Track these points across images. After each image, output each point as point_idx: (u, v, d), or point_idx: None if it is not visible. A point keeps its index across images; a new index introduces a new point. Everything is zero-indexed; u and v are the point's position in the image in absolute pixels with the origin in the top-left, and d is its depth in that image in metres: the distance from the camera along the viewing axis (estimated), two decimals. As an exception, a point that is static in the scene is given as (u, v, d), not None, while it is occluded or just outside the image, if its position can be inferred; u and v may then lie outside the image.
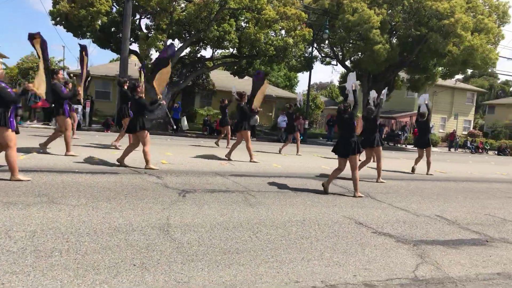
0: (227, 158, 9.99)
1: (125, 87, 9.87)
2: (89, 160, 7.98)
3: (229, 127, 13.81)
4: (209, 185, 6.65)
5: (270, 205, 5.75)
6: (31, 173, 6.18)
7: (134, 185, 6.12)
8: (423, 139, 11.07)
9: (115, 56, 44.19)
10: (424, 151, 11.02)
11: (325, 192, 7.02)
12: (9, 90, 5.60)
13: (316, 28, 25.57)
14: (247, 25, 21.22)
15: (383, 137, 29.42)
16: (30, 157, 7.68)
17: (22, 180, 5.71)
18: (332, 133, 27.00)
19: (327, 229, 4.85)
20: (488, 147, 32.53)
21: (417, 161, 11.16)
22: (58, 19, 19.43)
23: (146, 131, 7.63)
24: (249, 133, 10.05)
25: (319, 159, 12.38)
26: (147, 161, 7.60)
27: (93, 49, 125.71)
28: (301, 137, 22.95)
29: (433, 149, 14.36)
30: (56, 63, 41.36)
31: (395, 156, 17.42)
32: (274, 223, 4.90)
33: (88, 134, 15.21)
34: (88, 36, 20.92)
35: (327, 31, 24.31)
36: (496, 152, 31.41)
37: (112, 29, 21.67)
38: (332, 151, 7.45)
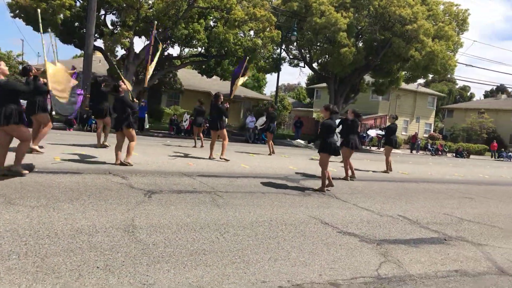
0: (215, 158, 10.14)
1: (103, 86, 9.98)
2: (50, 159, 7.68)
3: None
4: (175, 186, 6.56)
5: (238, 205, 5.75)
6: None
7: (98, 186, 5.95)
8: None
9: (78, 51, 42.83)
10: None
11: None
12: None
13: (285, 30, 25.83)
14: (216, 24, 21.14)
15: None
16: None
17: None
18: (299, 134, 27.33)
19: (293, 229, 4.90)
20: (447, 150, 33.98)
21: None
22: (17, 11, 18.61)
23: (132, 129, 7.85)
24: (225, 131, 10.29)
25: (286, 159, 12.50)
26: (129, 153, 7.78)
27: (55, 43, 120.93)
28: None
29: (396, 151, 14.81)
30: (15, 58, 39.56)
31: (359, 157, 17.87)
32: (241, 223, 4.90)
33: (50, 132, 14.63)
34: (49, 31, 20.14)
35: (295, 33, 24.62)
36: (454, 154, 32.86)
37: (76, 24, 20.97)
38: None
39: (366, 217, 5.98)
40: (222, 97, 10.37)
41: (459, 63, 27.36)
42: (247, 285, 3.24)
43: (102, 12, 21.38)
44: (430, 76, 31.29)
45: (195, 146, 13.42)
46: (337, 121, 8.30)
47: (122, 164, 7.65)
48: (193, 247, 3.93)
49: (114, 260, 3.39)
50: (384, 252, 4.46)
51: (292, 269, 3.69)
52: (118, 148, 7.91)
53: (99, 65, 27.21)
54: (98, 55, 25.06)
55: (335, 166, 10.53)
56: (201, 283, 3.18)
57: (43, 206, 4.64)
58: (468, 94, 66.89)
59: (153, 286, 3.04)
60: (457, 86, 65.52)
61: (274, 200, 6.35)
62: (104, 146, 10.30)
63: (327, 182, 7.56)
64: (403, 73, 28.75)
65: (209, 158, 10.10)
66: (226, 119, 10.49)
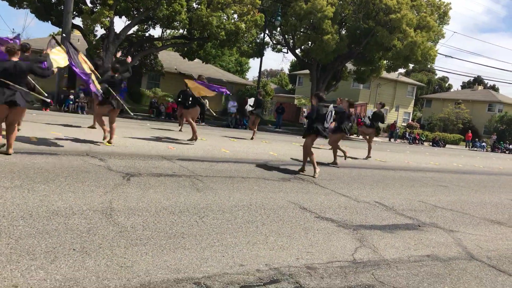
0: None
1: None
2: (26, 140, 7.48)
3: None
4: (155, 169, 6.51)
5: (217, 190, 5.76)
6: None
7: (75, 167, 5.84)
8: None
9: (56, 29, 41.45)
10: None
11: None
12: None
13: (269, 15, 25.60)
14: (199, 6, 20.76)
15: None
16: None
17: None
18: (280, 120, 27.40)
19: (272, 214, 4.95)
20: (424, 139, 34.71)
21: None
22: (-9, -15, 17.82)
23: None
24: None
25: (267, 145, 12.53)
26: (111, 137, 8.11)
27: (31, 20, 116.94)
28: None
29: (374, 138, 15.05)
30: (-12, 33, 38.04)
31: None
32: (220, 207, 4.92)
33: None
34: (25, 6, 19.42)
35: (279, 18, 24.42)
36: (431, 144, 33.62)
37: (53, 0, 20.25)
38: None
39: (344, 203, 6.09)
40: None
41: (439, 53, 27.78)
42: (225, 268, 3.27)
43: (81, -11, 20.72)
44: (411, 65, 31.75)
45: (180, 130, 13.32)
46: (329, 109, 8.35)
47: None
48: (171, 230, 3.93)
49: (91, 243, 3.36)
50: (360, 237, 4.56)
51: (270, 252, 3.73)
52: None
53: (78, 44, 26.42)
54: (76, 33, 24.32)
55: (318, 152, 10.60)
56: (179, 266, 3.19)
57: (18, 187, 4.54)
58: (447, 84, 68.16)
59: (131, 268, 3.03)
60: (436, 77, 66.64)
61: (254, 185, 6.38)
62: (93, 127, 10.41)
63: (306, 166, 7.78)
64: (385, 62, 29.02)
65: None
66: (207, 104, 10.56)
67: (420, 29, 24.64)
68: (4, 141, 6.12)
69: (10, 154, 5.96)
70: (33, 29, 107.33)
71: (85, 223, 3.77)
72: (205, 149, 9.46)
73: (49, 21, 20.91)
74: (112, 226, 3.80)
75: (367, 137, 12.25)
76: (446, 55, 62.09)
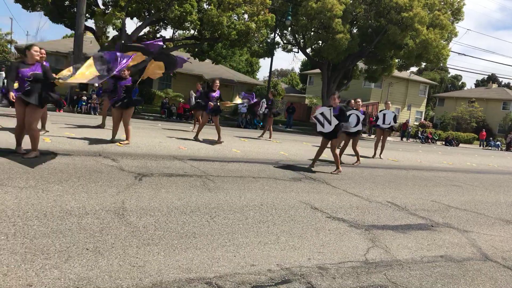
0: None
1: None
2: (40, 141, 7.59)
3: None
4: (166, 169, 6.55)
5: (229, 189, 5.77)
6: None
7: (88, 168, 5.91)
8: None
9: (69, 31, 42.01)
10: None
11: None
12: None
13: (279, 14, 25.55)
14: (209, 7, 20.82)
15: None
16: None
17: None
18: (291, 120, 27.33)
19: (283, 214, 4.94)
20: (437, 138, 34.29)
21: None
22: (6, -12, 18.12)
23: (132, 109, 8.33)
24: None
25: (278, 145, 12.51)
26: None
27: (45, 22, 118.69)
28: (261, 123, 23.12)
29: (387, 138, 14.93)
30: (3, 37, 38.72)
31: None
32: (232, 207, 4.92)
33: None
34: (39, 9, 19.70)
35: (289, 17, 24.35)
36: (444, 143, 33.19)
37: (66, 3, 20.51)
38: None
39: (356, 203, 6.04)
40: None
41: (452, 51, 27.48)
42: (237, 268, 3.27)
43: (94, -9, 20.95)
44: (423, 64, 31.36)
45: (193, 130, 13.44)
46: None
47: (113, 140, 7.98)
48: (183, 230, 3.95)
49: (103, 242, 3.39)
50: (372, 237, 4.52)
51: (282, 253, 3.73)
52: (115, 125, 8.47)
53: (90, 46, 26.76)
54: (89, 35, 24.61)
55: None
56: (191, 265, 3.21)
57: (32, 187, 4.61)
58: (460, 83, 67.26)
59: (143, 268, 3.05)
60: (449, 75, 65.79)
61: (265, 185, 6.38)
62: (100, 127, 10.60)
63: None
64: (396, 60, 28.74)
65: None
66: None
67: (433, 27, 24.33)
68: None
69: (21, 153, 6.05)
70: (47, 31, 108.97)
71: (98, 223, 3.81)
72: (216, 149, 9.48)
73: (62, 23, 21.19)
74: (125, 226, 3.83)
75: (381, 137, 12.21)
76: (459, 53, 61.37)
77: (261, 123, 23.08)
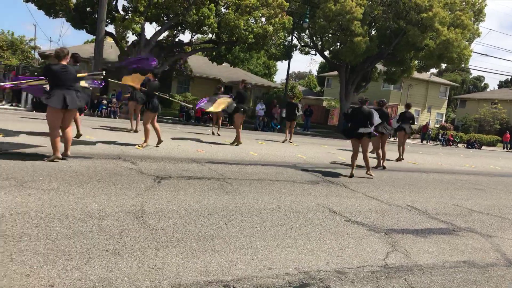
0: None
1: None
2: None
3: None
4: (185, 172, 6.60)
5: (246, 192, 5.77)
6: (-1, 156, 5.97)
7: (108, 170, 6.01)
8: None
9: (90, 37, 42.89)
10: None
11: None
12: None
13: (297, 17, 25.51)
14: (227, 11, 20.96)
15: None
16: (-2, 139, 7.41)
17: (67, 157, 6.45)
18: (309, 123, 27.20)
19: (301, 217, 4.91)
20: (458, 140, 33.56)
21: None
22: (30, -4, 18.67)
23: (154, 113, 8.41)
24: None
25: (295, 148, 12.47)
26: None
27: (67, 29, 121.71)
28: (278, 126, 23.10)
29: (406, 140, 14.71)
30: (27, 43, 39.80)
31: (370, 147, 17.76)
32: (249, 210, 4.92)
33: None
34: (61, 15, 20.20)
35: (307, 20, 24.29)
36: (465, 145, 32.46)
37: (87, 9, 20.99)
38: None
39: (375, 206, 5.96)
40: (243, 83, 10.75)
41: (474, 52, 26.90)
42: (254, 272, 3.26)
43: (114, -3, 21.37)
44: (443, 65, 30.76)
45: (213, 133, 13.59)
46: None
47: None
48: (201, 232, 3.97)
49: (123, 244, 3.44)
50: (392, 241, 4.45)
51: (299, 256, 3.70)
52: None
53: (111, 51, 27.27)
54: (109, 40, 25.09)
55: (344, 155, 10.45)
56: (209, 268, 3.22)
57: (54, 189, 4.71)
58: (482, 84, 65.71)
59: (161, 270, 3.08)
60: (471, 76, 64.39)
61: (283, 188, 6.35)
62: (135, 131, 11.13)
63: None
64: (416, 62, 28.30)
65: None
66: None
67: (454, 28, 23.87)
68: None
69: (65, 159, 6.30)
70: (69, 37, 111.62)
71: (118, 225, 3.86)
72: (233, 152, 9.51)
73: (84, 29, 21.68)
74: (144, 228, 3.88)
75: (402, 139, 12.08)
76: (481, 54, 60.02)
77: (278, 126, 23.06)
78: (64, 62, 6.24)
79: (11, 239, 3.23)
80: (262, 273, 3.26)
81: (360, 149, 8.29)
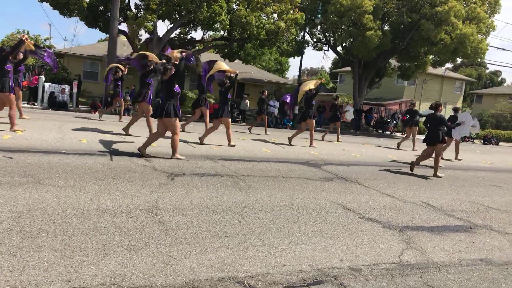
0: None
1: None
2: (76, 142, 7.88)
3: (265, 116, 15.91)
4: (198, 169, 6.63)
5: (259, 189, 5.77)
6: (16, 153, 6.09)
7: (122, 168, 6.07)
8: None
9: (103, 35, 43.37)
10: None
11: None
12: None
13: (309, 13, 25.32)
14: (238, 7, 20.92)
15: (372, 123, 29.65)
16: (15, 137, 7.55)
17: (180, 159, 7.17)
18: (321, 119, 27.02)
19: (315, 214, 4.89)
20: (475, 136, 32.98)
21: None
22: (44, -4, 18.91)
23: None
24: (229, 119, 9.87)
25: (308, 144, 12.42)
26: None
27: (81, 27, 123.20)
28: (291, 123, 23.02)
29: (419, 136, 14.60)
30: (43, 42, 40.39)
31: (383, 143, 17.59)
32: (262, 207, 4.92)
33: (77, 115, 14.98)
34: (75, 15, 20.42)
35: (319, 15, 24.10)
36: (482, 141, 31.89)
37: (101, 8, 21.17)
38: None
39: (389, 203, 5.90)
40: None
41: (490, 46, 26.26)
42: (268, 268, 3.26)
43: (126, -5, 21.51)
44: (459, 60, 30.18)
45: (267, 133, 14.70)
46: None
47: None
48: (215, 229, 3.98)
49: (138, 241, 3.47)
50: (407, 239, 4.40)
51: (313, 253, 3.69)
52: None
53: (124, 49, 27.50)
54: (122, 38, 25.30)
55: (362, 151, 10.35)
56: (223, 265, 3.23)
57: (70, 186, 4.78)
58: (499, 79, 64.40)
59: (176, 266, 3.10)
60: (487, 71, 63.16)
61: (296, 185, 6.34)
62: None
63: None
64: (431, 57, 27.83)
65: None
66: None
67: (469, 21, 23.40)
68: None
69: (182, 159, 7.14)
70: (83, 36, 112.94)
71: (132, 221, 3.90)
72: (246, 149, 9.51)
73: (97, 28, 21.89)
74: (158, 224, 3.91)
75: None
76: (498, 48, 58.74)
77: (291, 123, 22.97)
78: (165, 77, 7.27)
79: (29, 235, 3.29)
80: (275, 270, 3.25)
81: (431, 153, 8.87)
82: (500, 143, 32.48)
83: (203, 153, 8.18)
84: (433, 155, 8.95)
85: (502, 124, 40.17)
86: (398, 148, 14.51)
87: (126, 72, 12.91)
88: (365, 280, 3.26)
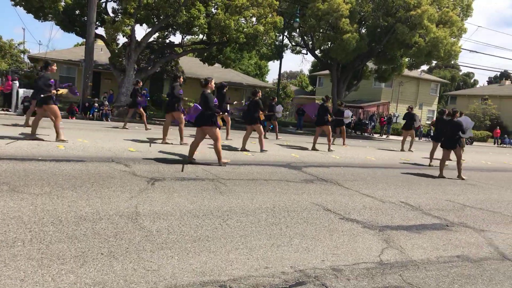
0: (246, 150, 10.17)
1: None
2: (53, 148, 7.70)
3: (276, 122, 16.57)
4: (178, 173, 6.58)
5: (241, 192, 5.77)
6: (-10, 161, 5.91)
7: (101, 173, 5.97)
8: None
9: (80, 40, 42.58)
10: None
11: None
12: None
13: (287, 16, 25.54)
14: (217, 11, 20.91)
15: (350, 126, 30.07)
16: (-11, 144, 7.33)
17: (227, 163, 7.71)
18: (301, 122, 27.24)
19: (296, 216, 4.92)
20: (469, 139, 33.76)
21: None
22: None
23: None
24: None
25: (289, 147, 12.50)
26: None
27: (57, 32, 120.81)
28: (271, 126, 23.08)
29: (397, 137, 14.92)
30: (16, 46, 39.39)
31: (362, 145, 17.85)
32: (244, 210, 4.92)
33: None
34: (50, 19, 20.01)
35: (297, 19, 24.34)
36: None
37: (77, 12, 20.80)
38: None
39: (369, 203, 6.00)
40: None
41: (463, 49, 27.11)
42: (250, 271, 3.27)
43: (103, -1, 21.21)
44: (434, 62, 30.94)
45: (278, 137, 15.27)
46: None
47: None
48: (196, 233, 3.96)
49: (118, 247, 3.42)
50: (386, 238, 4.48)
51: (295, 255, 3.71)
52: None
53: (101, 53, 27.09)
54: (99, 43, 24.92)
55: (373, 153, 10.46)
56: (205, 269, 3.21)
57: (47, 193, 4.67)
58: (472, 80, 66.35)
59: (157, 272, 3.07)
60: (460, 73, 64.97)
61: (277, 187, 6.37)
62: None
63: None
64: (406, 59, 28.48)
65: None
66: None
67: (442, 24, 24.06)
68: None
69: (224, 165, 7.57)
70: (59, 40, 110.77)
71: (112, 227, 3.84)
72: (227, 152, 9.50)
73: (74, 32, 21.48)
74: (138, 230, 3.86)
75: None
76: (470, 50, 60.63)
77: (271, 126, 23.05)
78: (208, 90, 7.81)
79: (4, 245, 3.20)
80: (258, 272, 3.26)
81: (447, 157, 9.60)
82: (474, 143, 33.42)
83: (184, 158, 8.12)
84: (447, 158, 9.79)
85: (475, 124, 41.31)
86: (408, 150, 15.51)
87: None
88: (346, 280, 3.30)
